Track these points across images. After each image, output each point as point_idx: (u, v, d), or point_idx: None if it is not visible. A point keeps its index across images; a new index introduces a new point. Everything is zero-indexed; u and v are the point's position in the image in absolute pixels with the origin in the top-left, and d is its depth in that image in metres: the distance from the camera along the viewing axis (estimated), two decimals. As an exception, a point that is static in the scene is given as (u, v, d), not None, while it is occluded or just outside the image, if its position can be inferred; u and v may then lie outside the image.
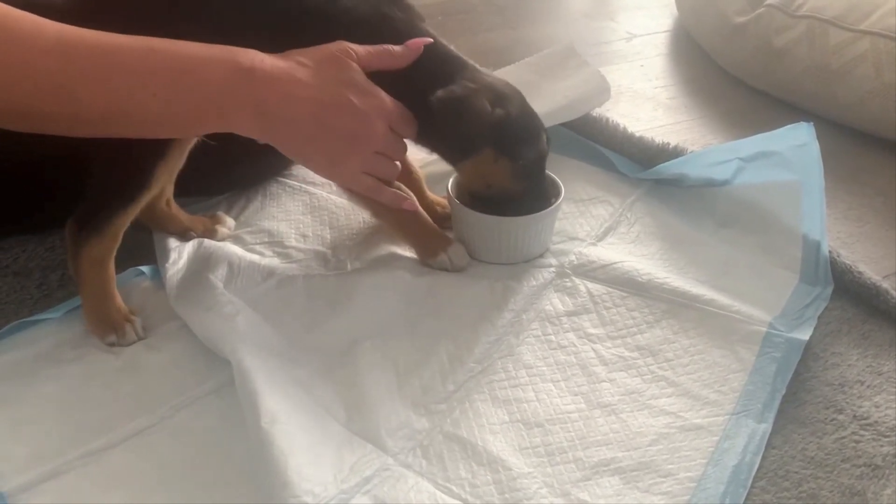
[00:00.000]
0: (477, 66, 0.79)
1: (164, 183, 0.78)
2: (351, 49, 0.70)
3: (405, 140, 0.76)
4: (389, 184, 0.77)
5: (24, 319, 0.75)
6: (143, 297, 0.80)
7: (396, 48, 0.73)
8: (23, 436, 0.65)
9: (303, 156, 0.73)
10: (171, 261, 0.81)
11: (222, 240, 0.86)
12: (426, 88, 0.73)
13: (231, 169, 0.92)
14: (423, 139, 0.79)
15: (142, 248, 0.85)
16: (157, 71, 0.63)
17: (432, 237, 0.83)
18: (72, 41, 0.61)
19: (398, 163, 0.76)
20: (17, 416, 0.67)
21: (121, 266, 0.82)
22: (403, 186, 0.82)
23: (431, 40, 0.74)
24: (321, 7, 0.74)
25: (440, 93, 0.73)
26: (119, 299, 0.76)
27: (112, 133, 0.66)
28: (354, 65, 0.70)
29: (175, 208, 0.86)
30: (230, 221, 0.89)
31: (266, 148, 0.81)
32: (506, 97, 0.76)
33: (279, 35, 0.70)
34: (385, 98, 0.71)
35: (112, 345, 0.73)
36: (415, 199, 0.82)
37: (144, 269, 0.83)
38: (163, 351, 0.73)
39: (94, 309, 0.75)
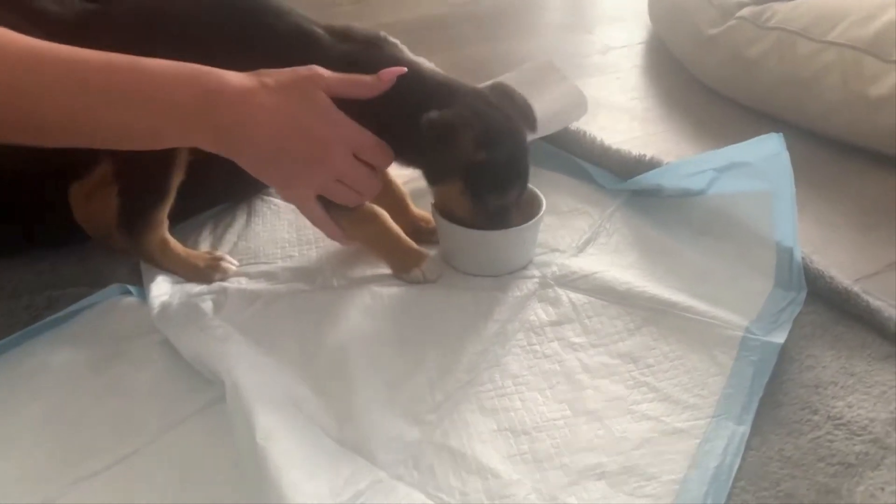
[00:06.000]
0: (485, 92, 0.81)
1: (182, 169, 0.81)
2: (320, 75, 0.72)
3: None
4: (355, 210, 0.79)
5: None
6: (127, 314, 0.81)
7: (367, 79, 0.75)
8: (9, 462, 0.65)
9: (259, 174, 0.74)
10: (156, 281, 0.82)
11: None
12: (410, 111, 0.75)
13: (213, 185, 0.93)
14: (404, 157, 0.81)
15: (122, 267, 0.87)
16: (118, 87, 0.65)
17: (405, 252, 0.85)
18: (38, 54, 0.63)
19: (365, 194, 0.77)
20: (3, 440, 0.67)
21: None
22: (377, 208, 0.84)
23: (405, 70, 0.76)
24: (300, 46, 0.77)
25: (433, 114, 0.75)
26: (195, 253, 0.87)
27: (78, 144, 0.68)
28: (320, 92, 0.72)
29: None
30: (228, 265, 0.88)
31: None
32: (498, 138, 0.77)
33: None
34: (350, 127, 0.73)
35: (221, 280, 0.84)
36: (393, 225, 0.84)
37: (132, 288, 0.84)
38: (145, 370, 0.74)
39: (183, 269, 0.85)
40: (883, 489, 0.63)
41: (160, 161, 0.79)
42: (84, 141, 0.68)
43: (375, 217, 0.83)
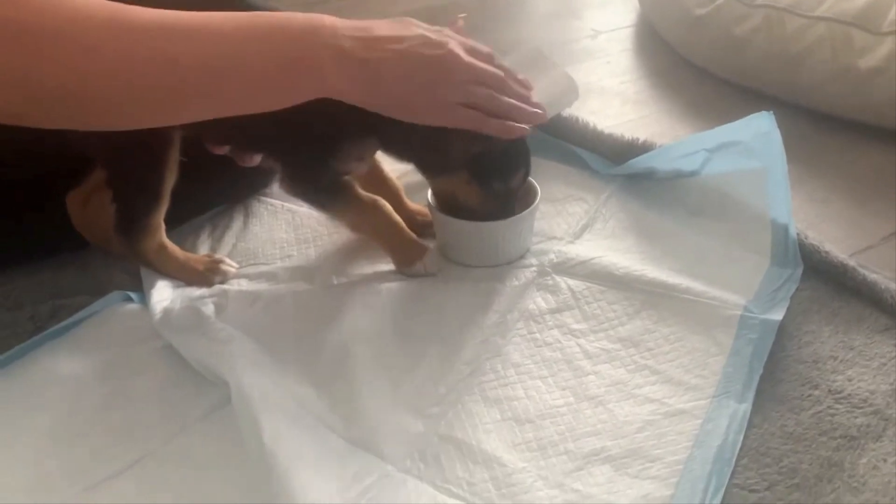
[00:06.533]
0: None
1: (174, 172, 0.81)
2: None
3: None
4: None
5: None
6: (129, 321, 0.81)
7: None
8: (20, 472, 0.66)
9: (396, 100, 0.72)
10: (157, 287, 0.83)
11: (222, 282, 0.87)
12: None
13: (208, 188, 0.94)
14: (401, 152, 0.82)
15: (123, 274, 0.87)
16: (252, 33, 0.65)
17: (409, 247, 0.85)
18: (167, 18, 0.63)
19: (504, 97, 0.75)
20: (13, 450, 0.68)
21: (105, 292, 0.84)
22: (381, 200, 0.85)
23: None
24: None
25: None
26: (194, 256, 0.87)
27: (208, 107, 0.67)
28: None
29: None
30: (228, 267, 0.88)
31: (241, 168, 0.84)
32: None
33: None
34: (451, 31, 0.74)
35: (221, 283, 0.85)
36: (397, 218, 0.85)
37: (133, 294, 0.84)
38: (150, 376, 0.75)
39: (183, 273, 0.85)
40: (885, 460, 0.64)
41: (151, 165, 0.79)
42: (220, 94, 0.66)
43: (380, 208, 0.84)
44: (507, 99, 0.75)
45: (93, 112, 0.64)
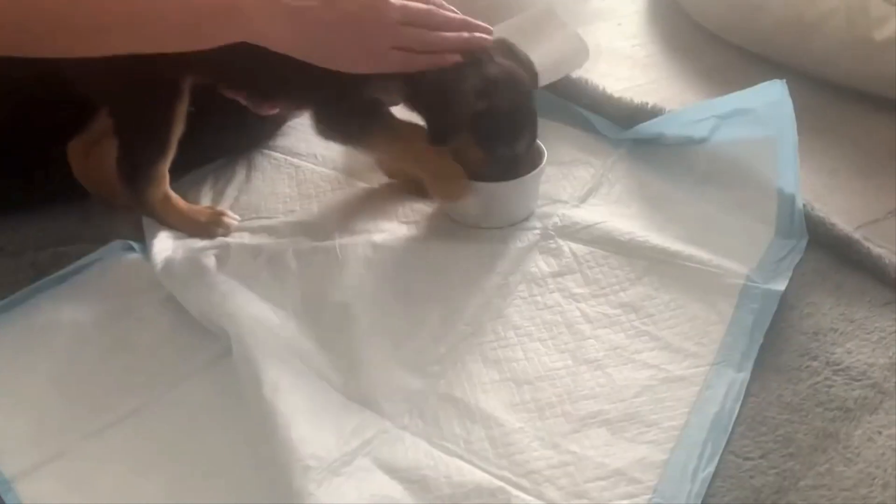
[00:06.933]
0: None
1: (182, 122, 0.80)
2: None
3: None
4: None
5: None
6: (131, 270, 0.81)
7: None
8: (21, 418, 0.67)
9: (324, 48, 0.71)
10: (159, 237, 0.83)
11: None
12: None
13: (211, 138, 0.93)
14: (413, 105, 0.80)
15: (125, 223, 0.87)
16: None
17: (453, 176, 0.81)
18: None
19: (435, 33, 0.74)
20: (14, 396, 0.69)
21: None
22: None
23: None
24: None
25: (430, 75, 0.75)
26: (197, 208, 0.86)
27: (128, 42, 0.68)
28: None
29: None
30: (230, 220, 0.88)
31: (245, 118, 0.83)
32: (498, 88, 0.77)
33: None
34: None
35: (224, 235, 0.84)
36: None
37: (134, 244, 0.84)
38: (151, 325, 0.75)
39: (185, 224, 0.84)
40: (880, 432, 0.64)
41: (160, 114, 0.78)
42: (147, 33, 0.67)
43: (421, 133, 0.80)
44: (436, 33, 0.74)
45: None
